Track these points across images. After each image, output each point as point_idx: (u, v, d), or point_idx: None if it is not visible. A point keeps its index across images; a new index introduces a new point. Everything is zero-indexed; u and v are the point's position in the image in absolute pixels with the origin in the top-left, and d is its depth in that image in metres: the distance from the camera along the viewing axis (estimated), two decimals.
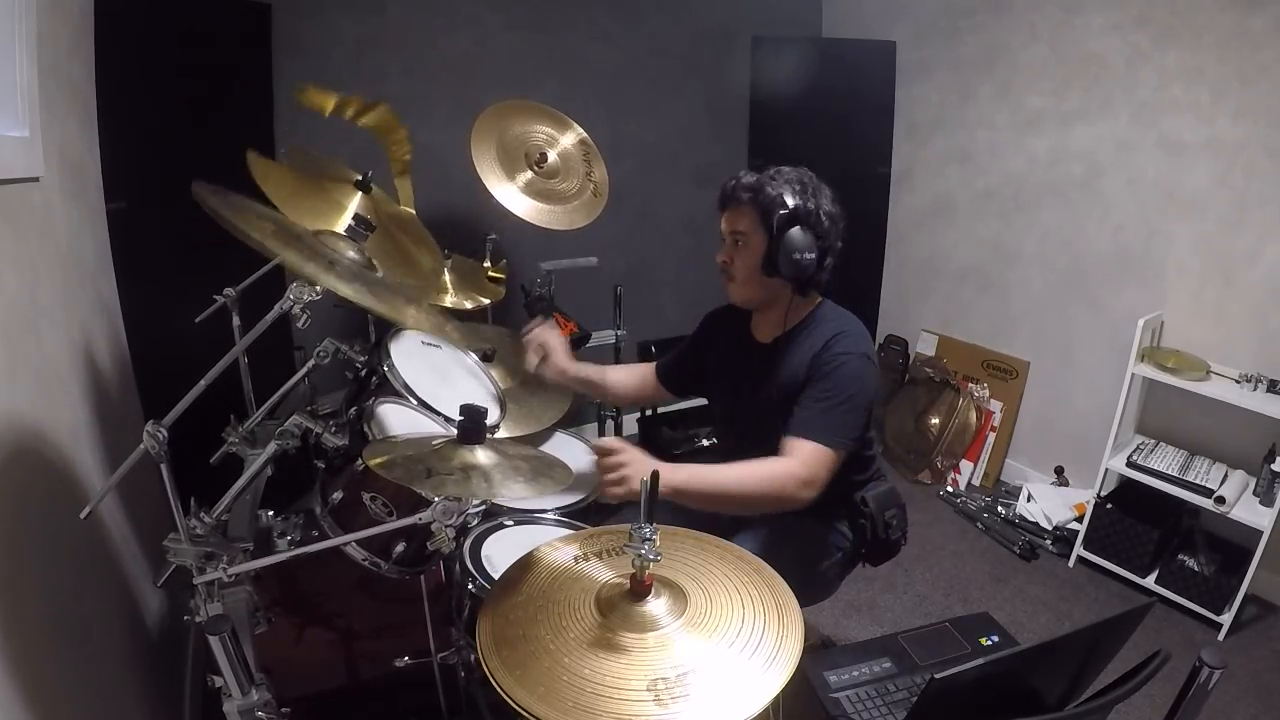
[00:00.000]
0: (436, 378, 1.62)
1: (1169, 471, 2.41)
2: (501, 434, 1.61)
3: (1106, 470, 2.56)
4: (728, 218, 1.55)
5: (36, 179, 1.30)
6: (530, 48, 2.91)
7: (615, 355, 2.57)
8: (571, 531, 1.46)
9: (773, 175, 1.50)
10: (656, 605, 0.99)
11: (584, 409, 2.96)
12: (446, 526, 1.03)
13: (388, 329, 1.65)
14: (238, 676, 0.98)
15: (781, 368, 1.54)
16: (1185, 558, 2.42)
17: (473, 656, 1.37)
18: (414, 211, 2.07)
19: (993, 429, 3.21)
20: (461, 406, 1.13)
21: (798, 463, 1.41)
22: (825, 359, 1.47)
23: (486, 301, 2.18)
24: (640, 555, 0.97)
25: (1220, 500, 2.26)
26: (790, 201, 1.45)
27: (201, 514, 1.11)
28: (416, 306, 1.28)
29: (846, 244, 1.55)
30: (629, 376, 1.90)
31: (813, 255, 1.46)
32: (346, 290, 1.10)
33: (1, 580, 0.97)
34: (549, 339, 1.77)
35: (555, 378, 1.77)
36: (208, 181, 1.13)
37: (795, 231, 1.45)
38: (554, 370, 1.76)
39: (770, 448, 1.52)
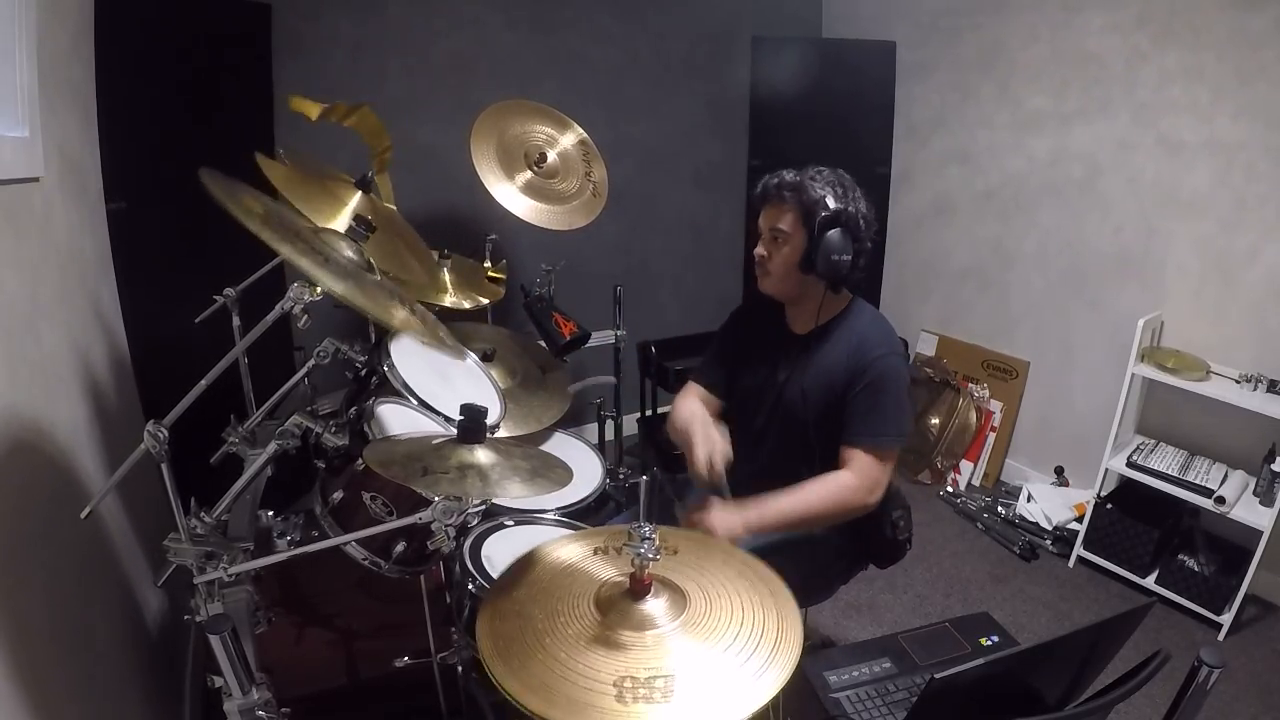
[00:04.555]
0: (436, 378, 1.62)
1: (1169, 471, 2.41)
2: (501, 434, 1.61)
3: (1106, 470, 2.56)
4: (768, 214, 1.55)
5: (36, 179, 1.30)
6: (530, 48, 2.91)
7: (615, 355, 2.57)
8: (572, 532, 1.46)
9: (813, 175, 1.50)
10: (655, 606, 0.99)
11: (584, 409, 2.96)
12: (446, 526, 1.03)
13: (387, 329, 1.65)
14: (238, 676, 0.98)
15: (818, 358, 1.56)
16: (1185, 558, 2.42)
17: (472, 655, 1.37)
18: (395, 208, 2.07)
19: (993, 429, 3.21)
20: (461, 406, 1.13)
21: (852, 473, 1.48)
22: (861, 365, 1.50)
23: (486, 301, 2.18)
24: (640, 555, 0.97)
25: (1220, 500, 2.26)
26: (832, 204, 1.47)
27: (202, 514, 1.11)
28: (409, 309, 1.28)
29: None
30: (710, 418, 1.64)
31: (849, 257, 1.49)
32: (335, 286, 1.09)
33: (1, 580, 0.97)
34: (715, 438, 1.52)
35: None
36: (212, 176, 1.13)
37: (835, 233, 1.47)
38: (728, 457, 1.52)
39: (799, 439, 1.56)
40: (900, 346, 1.58)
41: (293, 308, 1.14)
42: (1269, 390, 2.29)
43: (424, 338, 1.36)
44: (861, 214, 1.50)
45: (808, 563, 1.58)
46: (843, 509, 1.47)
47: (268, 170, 1.54)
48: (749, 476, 1.72)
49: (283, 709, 1.10)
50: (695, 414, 1.59)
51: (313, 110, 1.95)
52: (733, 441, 1.54)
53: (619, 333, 2.53)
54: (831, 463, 1.53)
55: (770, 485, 1.62)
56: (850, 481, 1.47)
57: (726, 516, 1.42)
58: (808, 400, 1.56)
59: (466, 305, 2.13)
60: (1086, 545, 2.63)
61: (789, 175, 1.52)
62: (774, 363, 1.63)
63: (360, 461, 1.28)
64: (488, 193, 2.03)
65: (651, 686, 0.87)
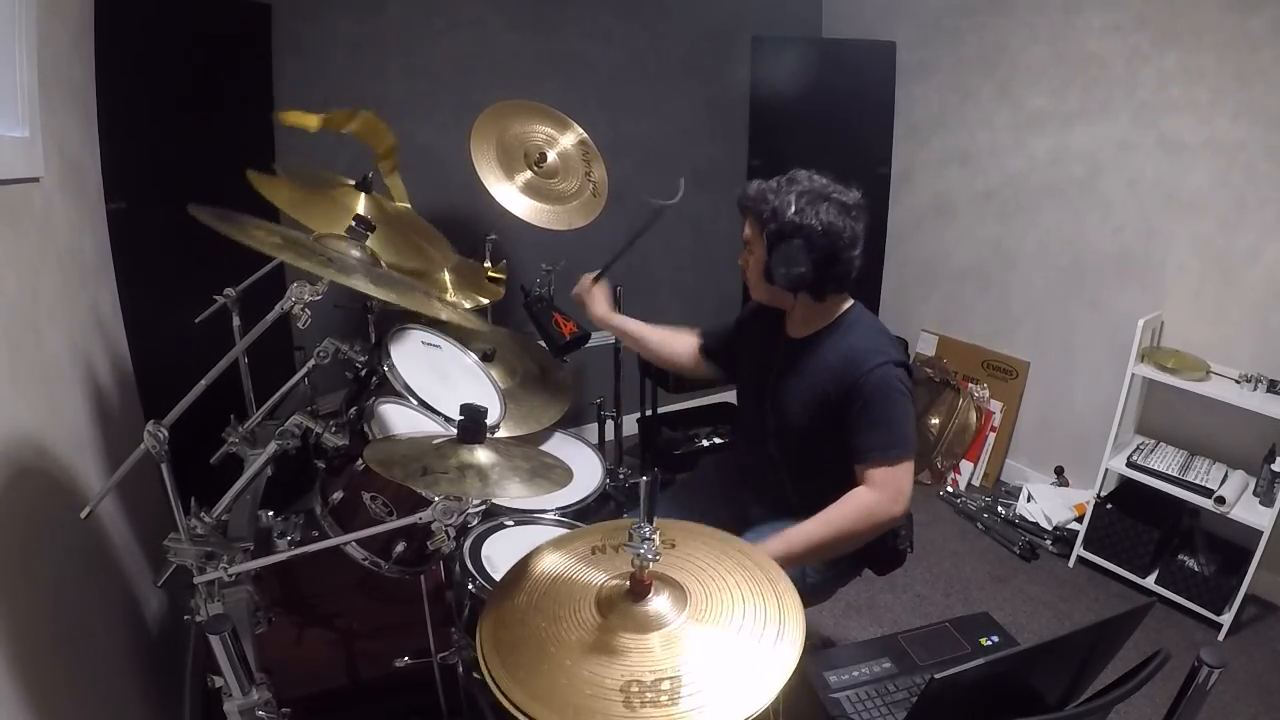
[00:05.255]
0: (436, 378, 1.62)
1: (1169, 471, 2.41)
2: (501, 434, 1.61)
3: (1106, 470, 2.56)
4: (744, 224, 1.57)
5: (36, 179, 1.30)
6: (530, 48, 2.91)
7: (615, 355, 2.57)
8: (572, 531, 1.46)
9: (776, 187, 1.48)
10: (655, 605, 0.99)
11: (584, 410, 2.96)
12: (446, 526, 1.03)
13: (388, 329, 1.65)
14: (238, 676, 0.98)
15: (809, 365, 1.54)
16: (1185, 558, 2.42)
17: (472, 655, 1.37)
18: (410, 206, 2.07)
19: (993, 429, 3.21)
20: (461, 406, 1.13)
21: (872, 488, 1.45)
22: (855, 380, 1.46)
23: (486, 301, 2.18)
24: (640, 555, 0.97)
25: (1220, 500, 2.26)
26: (783, 215, 1.45)
27: (202, 514, 1.11)
28: (441, 300, 1.30)
29: None
30: (672, 341, 1.90)
31: (803, 269, 1.45)
32: (371, 288, 1.12)
33: (2, 580, 0.97)
34: (597, 288, 1.89)
35: (597, 315, 1.88)
36: (209, 183, 1.13)
37: (785, 246, 1.45)
38: (598, 307, 1.87)
39: (793, 445, 1.56)
40: (897, 354, 1.52)
41: (292, 307, 1.14)
42: (1269, 390, 2.29)
43: (460, 321, 1.37)
44: (822, 223, 1.44)
45: (804, 567, 1.58)
46: (872, 524, 1.44)
47: (265, 189, 1.54)
48: (751, 477, 1.73)
49: (283, 709, 1.10)
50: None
51: (310, 121, 1.94)
52: (734, 435, 1.55)
53: None
54: (804, 470, 1.52)
55: (771, 486, 1.62)
56: (871, 497, 1.44)
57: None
58: (792, 406, 1.55)
59: (466, 305, 2.12)
60: (1086, 545, 2.63)
61: (753, 187, 1.52)
62: (768, 362, 1.63)
63: (360, 461, 1.28)
64: (488, 193, 2.03)
65: (659, 689, 0.87)
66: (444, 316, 1.30)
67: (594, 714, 0.84)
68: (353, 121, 1.99)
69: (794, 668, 0.90)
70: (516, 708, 0.85)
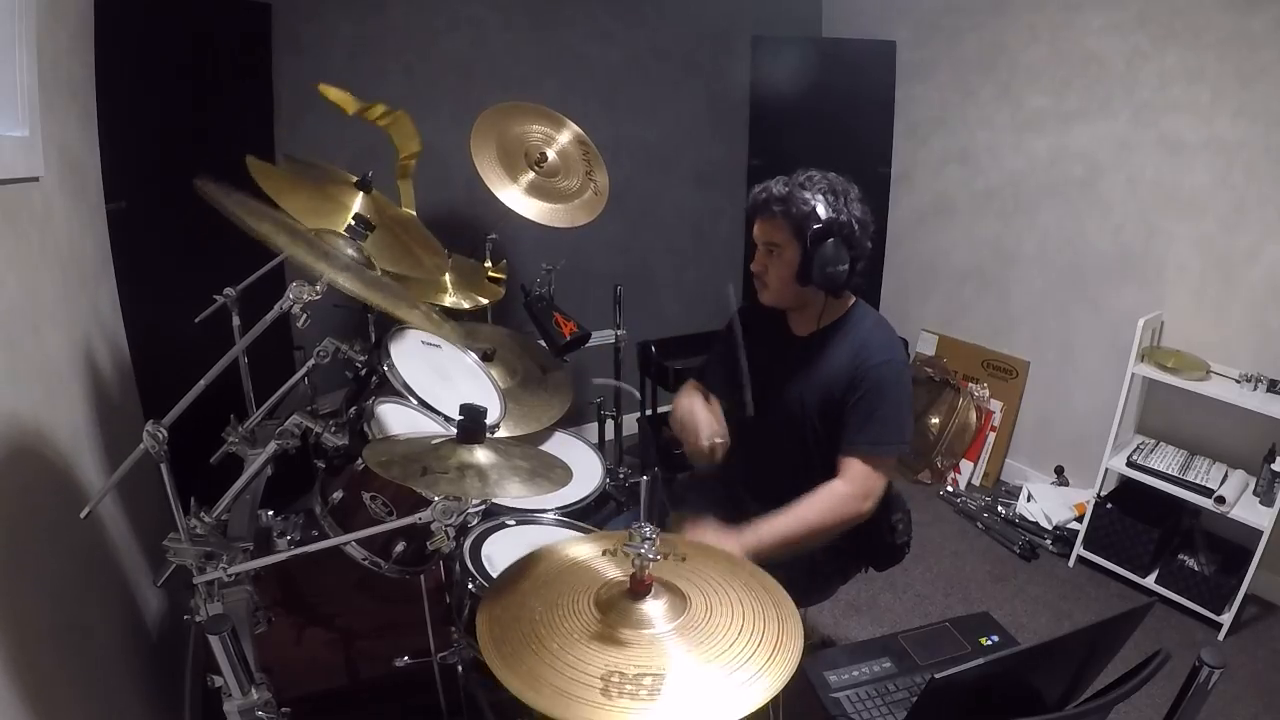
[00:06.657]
0: (436, 378, 1.62)
1: (1169, 471, 2.41)
2: (501, 434, 1.61)
3: (1106, 470, 2.56)
4: (760, 227, 1.54)
5: (36, 179, 1.30)
6: (530, 48, 2.91)
7: (615, 355, 2.57)
8: (575, 533, 1.46)
9: (803, 183, 1.48)
10: (653, 606, 0.99)
11: (583, 409, 2.96)
12: (446, 526, 1.03)
13: (388, 329, 1.65)
14: (238, 676, 0.98)
15: (820, 363, 1.55)
16: (1185, 558, 2.42)
17: (472, 655, 1.37)
18: (414, 214, 2.07)
19: (993, 429, 3.21)
20: (461, 406, 1.13)
21: (845, 481, 1.46)
22: (861, 373, 1.48)
23: (486, 301, 2.18)
24: (640, 555, 0.97)
25: (1220, 500, 2.26)
26: (823, 213, 1.44)
27: (201, 514, 1.11)
28: (419, 306, 1.29)
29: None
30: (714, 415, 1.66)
31: (844, 266, 1.46)
32: (353, 286, 1.11)
33: (1, 580, 0.97)
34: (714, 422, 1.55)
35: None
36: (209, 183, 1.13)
37: (829, 244, 1.45)
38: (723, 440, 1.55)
39: (798, 444, 1.55)
40: (903, 353, 1.55)
41: (292, 307, 1.14)
42: (1269, 390, 2.29)
43: (435, 331, 1.37)
44: (855, 219, 1.47)
45: (805, 561, 1.58)
46: (840, 520, 1.45)
47: (261, 176, 1.54)
48: (751, 477, 1.73)
49: (283, 709, 1.10)
50: (695, 400, 1.60)
51: (349, 105, 1.95)
52: (734, 441, 1.55)
53: (619, 332, 2.53)
54: (830, 467, 1.52)
55: (773, 485, 1.62)
56: (843, 490, 1.46)
57: (724, 540, 1.39)
58: (806, 404, 1.55)
59: (466, 305, 2.13)
60: (1086, 545, 2.63)
61: (778, 187, 1.49)
62: (775, 365, 1.62)
63: (360, 461, 1.28)
64: (487, 192, 2.03)
65: (639, 684, 0.88)
66: (430, 330, 1.29)
67: (569, 696, 0.85)
68: (388, 117, 2.00)
69: (779, 688, 0.91)
70: (501, 681, 0.87)
